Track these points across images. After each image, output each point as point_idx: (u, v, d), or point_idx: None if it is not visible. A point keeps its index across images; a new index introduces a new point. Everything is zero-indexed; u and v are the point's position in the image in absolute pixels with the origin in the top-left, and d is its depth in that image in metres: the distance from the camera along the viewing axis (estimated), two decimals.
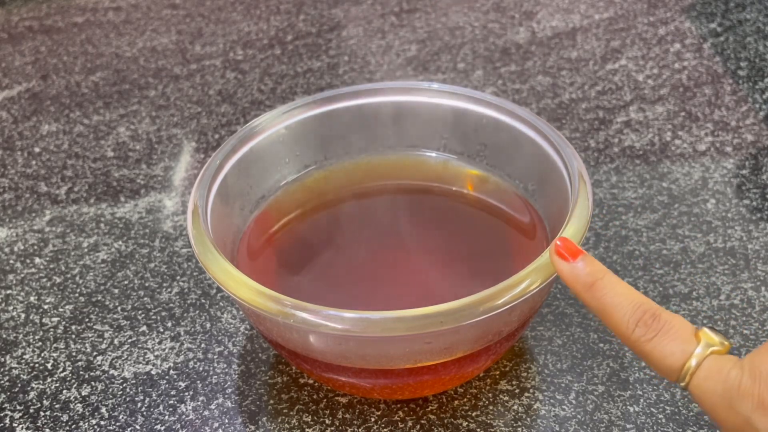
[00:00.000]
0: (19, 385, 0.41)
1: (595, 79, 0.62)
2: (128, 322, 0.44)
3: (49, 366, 0.42)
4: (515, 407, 0.38)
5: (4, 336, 0.44)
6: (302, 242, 0.43)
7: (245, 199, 0.42)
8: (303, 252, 0.42)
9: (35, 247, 0.50)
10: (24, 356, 0.43)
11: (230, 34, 0.73)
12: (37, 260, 0.49)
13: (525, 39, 0.68)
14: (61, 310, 0.45)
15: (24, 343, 0.43)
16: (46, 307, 0.46)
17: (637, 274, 0.45)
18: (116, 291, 0.46)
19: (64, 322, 0.45)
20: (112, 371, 0.42)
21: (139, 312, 0.45)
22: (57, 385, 0.41)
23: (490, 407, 0.39)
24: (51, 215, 0.52)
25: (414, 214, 0.45)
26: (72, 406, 0.40)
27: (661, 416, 0.37)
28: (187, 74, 0.67)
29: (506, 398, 0.39)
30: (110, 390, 0.41)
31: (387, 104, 0.45)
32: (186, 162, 0.57)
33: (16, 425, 0.39)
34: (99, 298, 0.46)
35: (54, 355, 0.43)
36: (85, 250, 0.49)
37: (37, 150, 0.59)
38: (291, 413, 0.39)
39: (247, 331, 0.43)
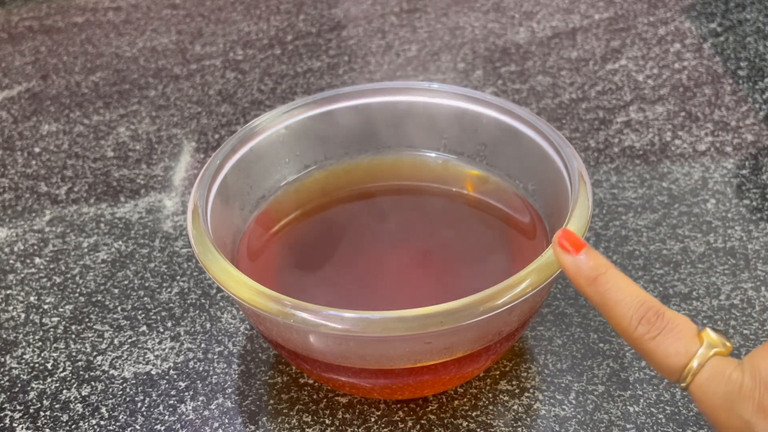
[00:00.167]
0: (19, 385, 0.41)
1: (595, 79, 0.62)
2: (128, 322, 0.44)
3: (49, 366, 0.42)
4: (515, 407, 0.38)
5: (4, 336, 0.44)
6: (302, 242, 0.43)
7: (245, 199, 0.42)
8: (303, 252, 0.42)
9: (35, 247, 0.50)
10: (24, 356, 0.43)
11: (230, 34, 0.73)
12: (37, 260, 0.49)
13: (525, 39, 0.68)
14: (61, 310, 0.45)
15: (24, 343, 0.43)
16: (46, 307, 0.46)
17: (637, 274, 0.45)
18: (116, 291, 0.46)
19: (64, 322, 0.44)
20: (112, 371, 0.42)
21: (139, 312, 0.45)
22: (57, 385, 0.41)
23: (490, 407, 0.39)
24: (51, 215, 0.52)
25: (414, 214, 0.45)
26: (72, 406, 0.40)
27: (661, 416, 0.37)
28: (187, 74, 0.67)
29: (506, 398, 0.39)
30: (110, 390, 0.41)
31: (387, 104, 0.45)
32: (186, 162, 0.57)
33: (16, 425, 0.39)
34: (99, 298, 0.46)
35: (54, 355, 0.43)
36: (85, 250, 0.49)
37: (37, 150, 0.59)
38: (291, 413, 0.39)
39: (247, 331, 0.43)
